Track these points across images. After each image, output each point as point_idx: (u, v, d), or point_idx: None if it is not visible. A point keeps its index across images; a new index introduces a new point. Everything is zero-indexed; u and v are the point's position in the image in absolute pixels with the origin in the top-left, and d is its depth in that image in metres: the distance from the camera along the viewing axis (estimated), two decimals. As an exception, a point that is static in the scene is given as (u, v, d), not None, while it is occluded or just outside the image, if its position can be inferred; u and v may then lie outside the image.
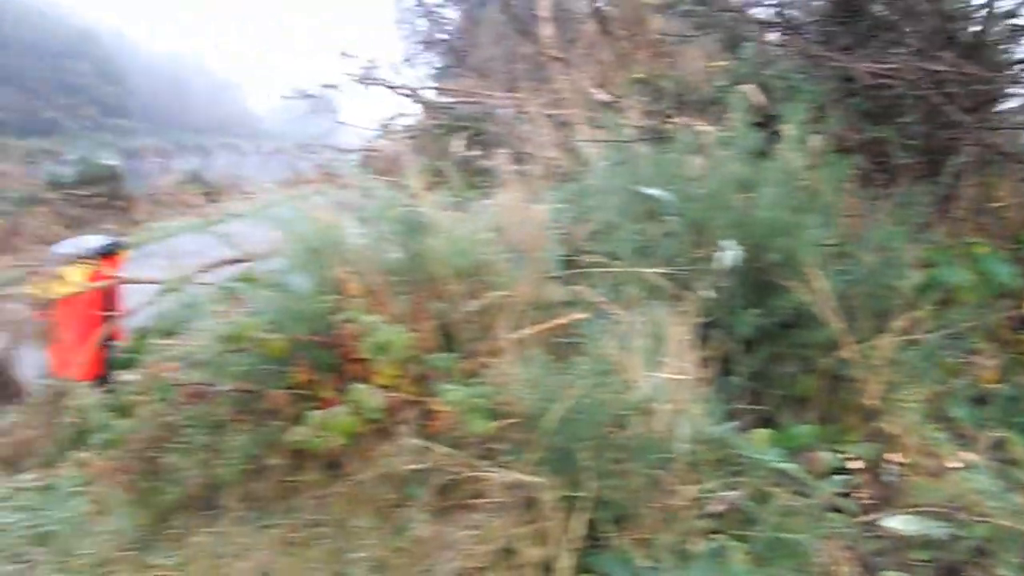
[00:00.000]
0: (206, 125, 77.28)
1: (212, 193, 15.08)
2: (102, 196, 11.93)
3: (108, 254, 2.93)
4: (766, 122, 2.45)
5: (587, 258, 2.07)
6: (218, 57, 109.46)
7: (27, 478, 2.48)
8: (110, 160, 12.56)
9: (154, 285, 2.47)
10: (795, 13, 3.15)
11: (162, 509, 1.94)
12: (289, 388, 1.63)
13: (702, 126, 3.16)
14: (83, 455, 1.99)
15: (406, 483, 1.67)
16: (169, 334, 2.38)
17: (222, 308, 1.97)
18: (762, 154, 2.20)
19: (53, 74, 59.73)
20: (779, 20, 3.10)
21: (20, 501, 2.44)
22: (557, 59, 3.56)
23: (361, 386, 1.54)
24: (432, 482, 1.56)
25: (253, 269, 1.90)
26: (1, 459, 1.80)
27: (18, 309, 2.75)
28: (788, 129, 2.17)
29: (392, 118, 5.65)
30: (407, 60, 10.44)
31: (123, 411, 1.87)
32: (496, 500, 1.51)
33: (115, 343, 2.84)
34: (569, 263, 2.08)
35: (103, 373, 2.74)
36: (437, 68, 9.06)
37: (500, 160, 3.41)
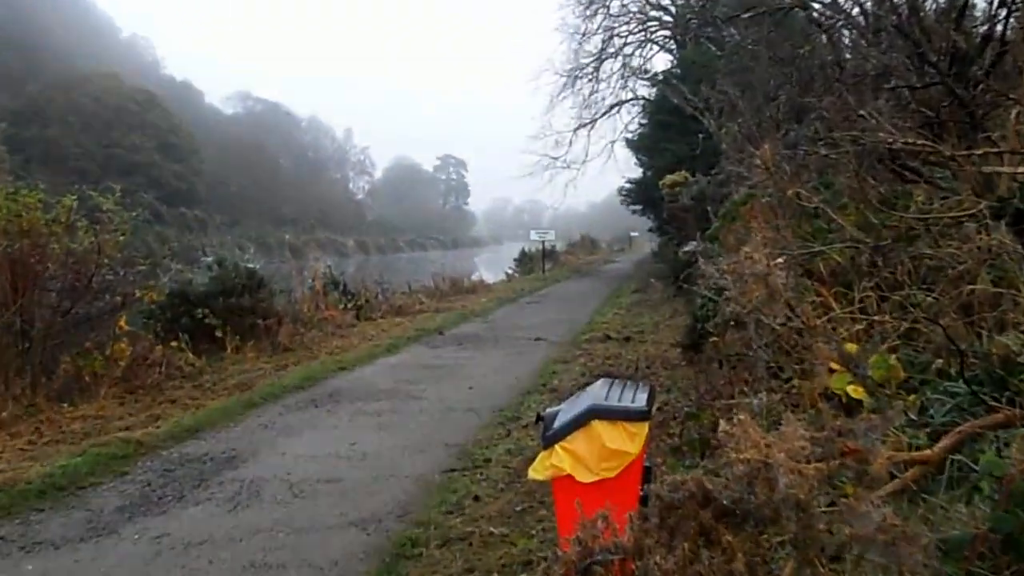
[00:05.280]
0: (298, 214, 61.13)
1: (361, 309, 12.38)
2: (247, 313, 9.32)
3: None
4: None
5: None
6: (311, 126, 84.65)
7: None
8: (251, 262, 10.04)
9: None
10: None
11: None
12: None
13: None
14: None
15: None
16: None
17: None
18: None
19: (107, 151, 46.07)
20: None
21: None
22: None
23: None
24: None
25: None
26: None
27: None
28: None
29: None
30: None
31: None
32: None
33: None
34: None
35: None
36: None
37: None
